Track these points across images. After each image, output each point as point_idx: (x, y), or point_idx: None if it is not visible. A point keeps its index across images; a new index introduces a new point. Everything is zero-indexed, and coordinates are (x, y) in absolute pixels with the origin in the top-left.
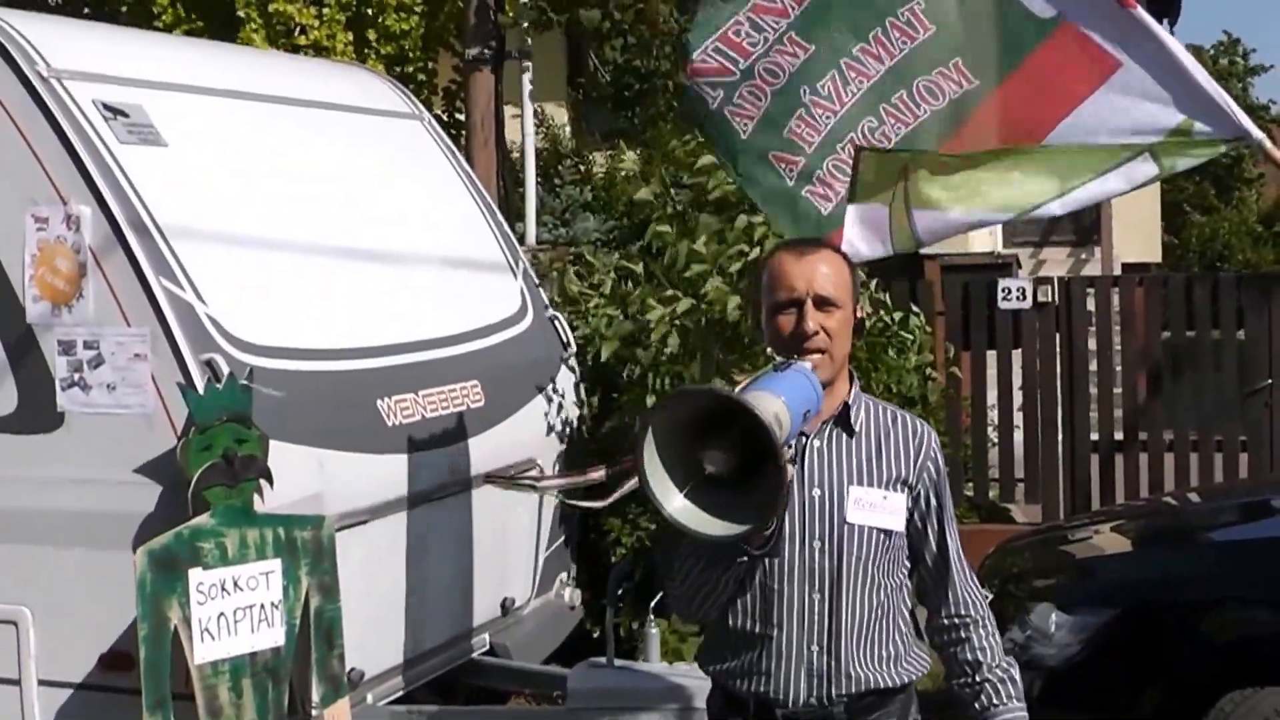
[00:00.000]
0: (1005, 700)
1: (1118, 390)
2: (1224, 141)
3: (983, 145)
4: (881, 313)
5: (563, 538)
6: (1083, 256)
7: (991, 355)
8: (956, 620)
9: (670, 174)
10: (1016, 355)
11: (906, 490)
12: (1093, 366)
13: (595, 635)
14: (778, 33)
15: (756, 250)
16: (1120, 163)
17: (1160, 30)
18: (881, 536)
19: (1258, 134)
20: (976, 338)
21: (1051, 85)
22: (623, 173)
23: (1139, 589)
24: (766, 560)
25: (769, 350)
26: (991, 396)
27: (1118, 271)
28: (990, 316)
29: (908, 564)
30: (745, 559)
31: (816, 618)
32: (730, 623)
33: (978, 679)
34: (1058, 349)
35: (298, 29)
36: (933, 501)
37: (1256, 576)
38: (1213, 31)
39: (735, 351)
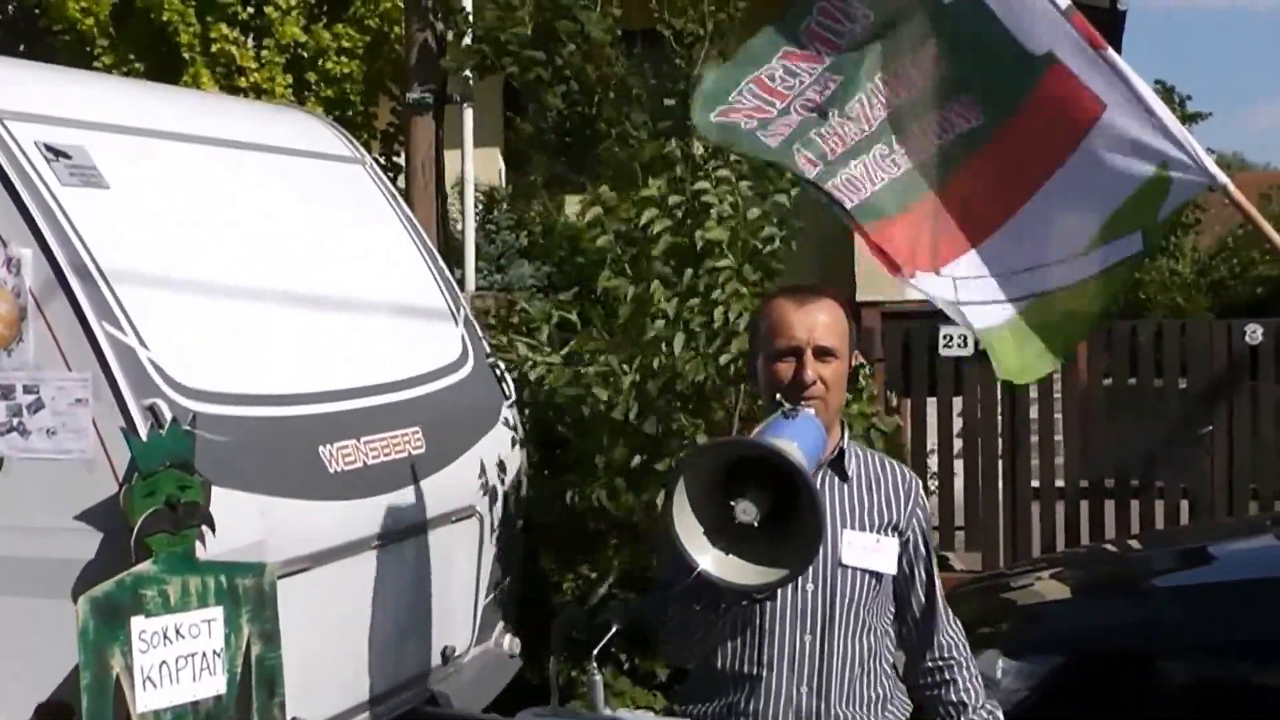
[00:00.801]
0: None
1: (1059, 438)
2: (1199, 189)
3: (987, 184)
4: None
5: (502, 585)
6: None
7: (932, 402)
8: (941, 663)
9: (618, 224)
10: (957, 402)
11: (897, 535)
12: (1034, 414)
13: (535, 684)
14: (815, 75)
15: (720, 310)
16: (1109, 242)
17: (1131, 74)
18: (872, 580)
19: (1223, 178)
20: (917, 385)
21: (1047, 127)
22: (564, 219)
23: (1087, 635)
24: (760, 603)
25: (759, 399)
26: (931, 443)
27: None
28: (931, 363)
29: (892, 609)
30: (747, 601)
31: (807, 659)
32: (719, 663)
33: None
34: (999, 396)
35: (238, 71)
36: (921, 548)
37: (1201, 622)
38: (1147, 79)
39: (692, 412)
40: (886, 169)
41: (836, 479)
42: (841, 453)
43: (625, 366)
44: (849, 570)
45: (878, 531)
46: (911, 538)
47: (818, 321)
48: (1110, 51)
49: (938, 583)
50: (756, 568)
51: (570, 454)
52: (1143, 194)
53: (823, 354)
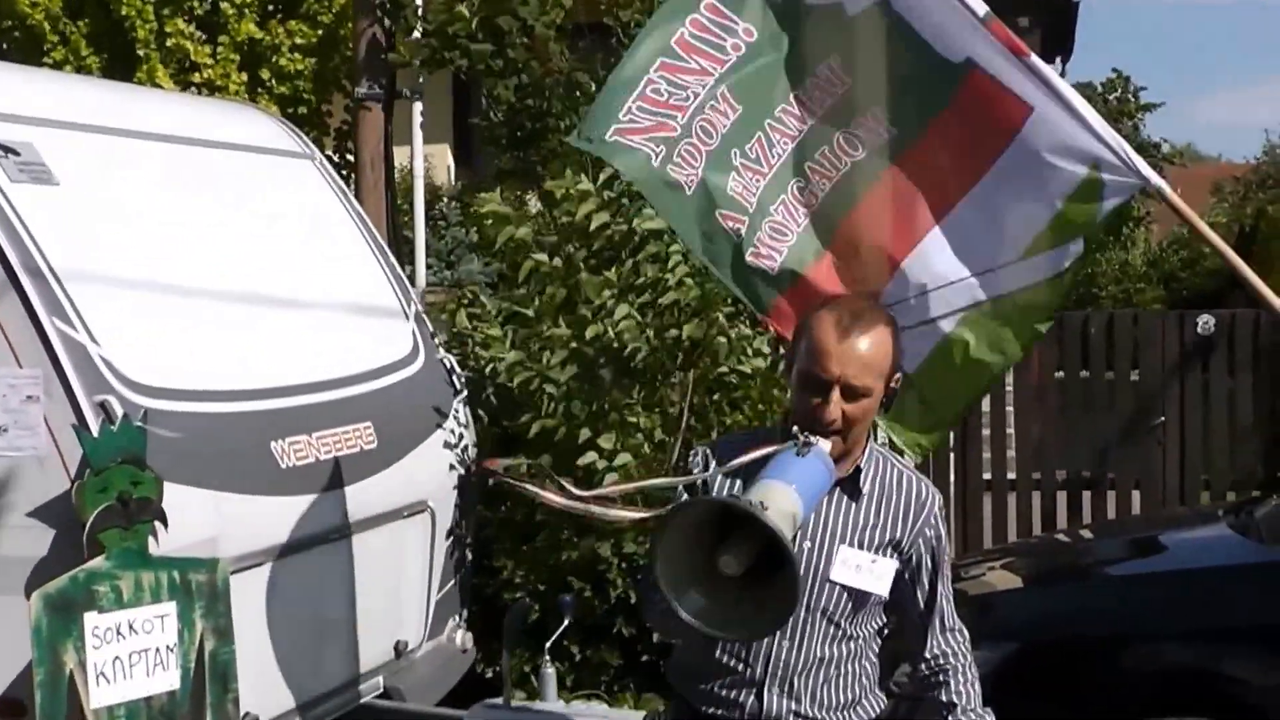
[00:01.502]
0: None
1: (1010, 430)
2: (1132, 191)
3: (905, 195)
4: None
5: (454, 580)
6: None
7: None
8: (936, 666)
9: (550, 216)
10: None
11: (898, 554)
12: (985, 406)
13: (488, 677)
14: (708, 89)
15: (668, 294)
16: (1054, 248)
17: (1057, 79)
18: (861, 596)
19: (1157, 180)
20: None
21: (970, 134)
22: (487, 217)
23: (1040, 624)
24: None
25: (787, 422)
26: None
27: None
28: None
29: (882, 617)
30: None
31: (782, 663)
32: (702, 647)
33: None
34: None
35: (192, 66)
36: (926, 563)
37: (1154, 610)
38: (1102, 69)
39: (632, 382)
40: (807, 202)
41: (845, 497)
42: (858, 471)
43: (568, 341)
44: (835, 586)
45: (876, 550)
46: (915, 555)
47: (854, 358)
48: (1033, 58)
49: (942, 594)
50: (731, 619)
51: (521, 435)
52: (1079, 196)
53: (852, 394)
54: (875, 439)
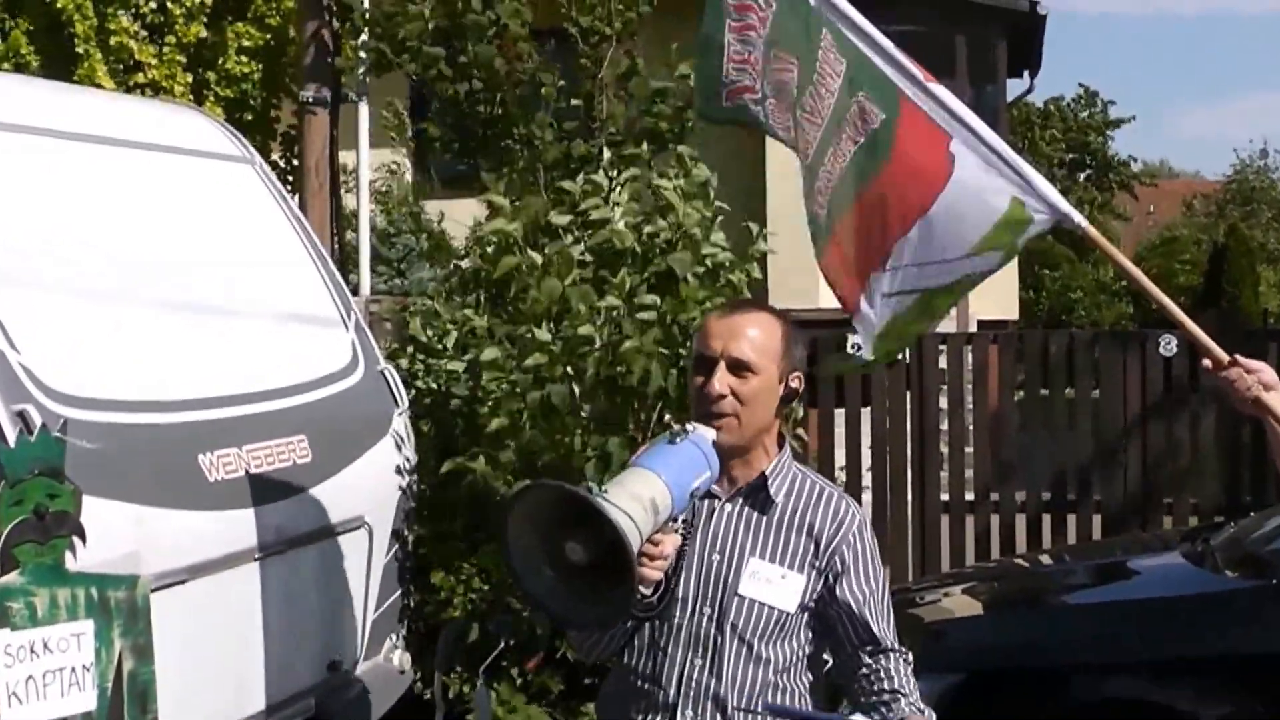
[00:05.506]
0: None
1: (969, 450)
2: (1054, 222)
3: (897, 186)
4: None
5: (392, 598)
6: None
7: (840, 413)
8: (872, 676)
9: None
10: (866, 413)
11: (812, 572)
12: (944, 425)
13: (426, 698)
14: (763, 48)
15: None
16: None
17: (968, 113)
18: (771, 613)
19: (1078, 218)
20: (824, 395)
21: (921, 144)
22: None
23: (991, 652)
24: (658, 620)
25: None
26: (840, 456)
27: (973, 329)
28: (839, 374)
29: (810, 642)
30: (630, 621)
31: (693, 683)
32: (622, 673)
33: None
34: (908, 407)
35: (135, 66)
36: (848, 583)
37: (1109, 640)
38: (1071, 84)
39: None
40: (840, 160)
41: (758, 504)
42: (764, 477)
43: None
44: (744, 600)
45: (788, 565)
46: (833, 573)
47: (737, 332)
48: (938, 87)
49: (873, 615)
50: (579, 608)
51: (474, 446)
52: (1003, 224)
53: (738, 367)
54: (785, 448)
